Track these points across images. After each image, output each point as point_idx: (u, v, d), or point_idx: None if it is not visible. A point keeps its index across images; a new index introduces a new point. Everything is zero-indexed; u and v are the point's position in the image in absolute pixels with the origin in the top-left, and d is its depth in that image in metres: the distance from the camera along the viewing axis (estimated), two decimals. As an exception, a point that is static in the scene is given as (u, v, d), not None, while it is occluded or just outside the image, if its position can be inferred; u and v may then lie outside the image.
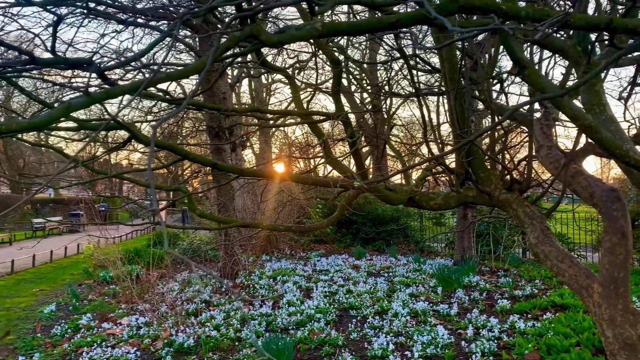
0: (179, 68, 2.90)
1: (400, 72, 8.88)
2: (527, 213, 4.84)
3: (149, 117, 9.77)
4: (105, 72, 2.67)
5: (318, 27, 2.18)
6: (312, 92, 5.75)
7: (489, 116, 9.58)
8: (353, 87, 18.84)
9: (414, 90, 7.12)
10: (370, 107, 14.07)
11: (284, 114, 5.34)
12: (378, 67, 18.53)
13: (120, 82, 3.05)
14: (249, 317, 7.80)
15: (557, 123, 6.33)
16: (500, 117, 5.94)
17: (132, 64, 3.91)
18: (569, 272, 4.41)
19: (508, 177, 5.31)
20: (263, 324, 7.37)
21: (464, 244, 12.44)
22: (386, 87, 9.34)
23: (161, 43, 7.59)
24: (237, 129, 12.99)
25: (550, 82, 3.69)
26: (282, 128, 29.65)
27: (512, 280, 9.61)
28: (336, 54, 6.21)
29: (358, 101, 21.21)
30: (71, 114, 2.41)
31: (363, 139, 15.11)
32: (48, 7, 3.22)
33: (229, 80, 15.67)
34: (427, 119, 5.69)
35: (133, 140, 3.91)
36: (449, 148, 7.00)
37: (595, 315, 4.28)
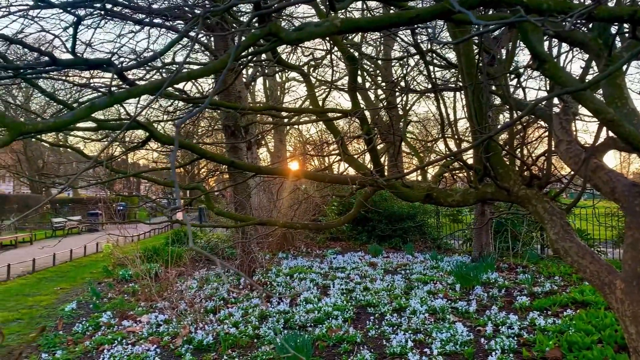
0: (199, 67, 2.91)
1: (415, 68, 8.82)
2: (547, 209, 4.78)
3: (165, 117, 9.85)
4: (124, 72, 2.70)
5: (337, 23, 2.18)
6: (328, 90, 5.77)
7: (507, 111, 9.48)
8: (367, 84, 18.78)
9: (430, 86, 7.09)
10: (385, 103, 14.02)
11: (299, 112, 5.33)
12: (393, 64, 18.45)
13: (139, 82, 3.07)
14: (267, 314, 7.83)
15: (576, 118, 6.25)
16: (518, 112, 5.90)
17: (150, 63, 3.94)
18: (590, 268, 4.35)
19: (527, 172, 5.26)
20: (281, 321, 7.39)
21: (482, 240, 12.34)
22: (402, 84, 9.29)
23: (178, 43, 7.64)
24: (253, 127, 13.03)
25: (571, 75, 3.63)
26: (296, 126, 29.72)
27: (531, 276, 9.52)
28: (351, 50, 6.19)
29: (373, 98, 21.14)
30: (91, 115, 2.44)
31: (378, 135, 15.05)
32: (67, 9, 3.25)
33: (244, 79, 15.72)
34: (444, 114, 5.64)
35: (151, 140, 3.95)
36: (466, 144, 6.94)
37: (617, 311, 4.22)
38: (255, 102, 29.75)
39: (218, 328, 7.12)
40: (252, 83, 27.69)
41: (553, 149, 5.47)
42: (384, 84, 16.32)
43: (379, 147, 20.13)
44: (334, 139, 6.09)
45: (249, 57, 4.03)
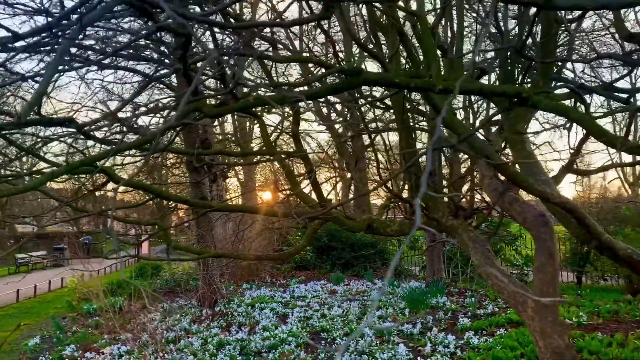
0: (126, 143, 3.45)
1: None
2: (471, 237, 5.44)
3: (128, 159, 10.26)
4: (86, 128, 3.26)
5: (250, 100, 2.78)
6: (278, 133, 6.37)
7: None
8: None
9: (365, 127, 7.78)
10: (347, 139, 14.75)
11: (244, 155, 5.89)
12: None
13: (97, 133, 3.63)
14: (226, 342, 8.22)
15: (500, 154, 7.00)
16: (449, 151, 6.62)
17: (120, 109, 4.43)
18: (508, 289, 5.01)
19: (453, 205, 5.94)
20: (237, 348, 7.80)
21: (434, 266, 13.00)
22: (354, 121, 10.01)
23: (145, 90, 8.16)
24: (217, 159, 13.54)
25: (463, 126, 4.33)
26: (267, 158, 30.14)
27: (476, 300, 10.17)
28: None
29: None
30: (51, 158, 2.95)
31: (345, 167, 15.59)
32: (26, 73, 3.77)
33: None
34: (378, 154, 6.30)
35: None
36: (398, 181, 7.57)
37: (530, 327, 4.87)
38: (224, 134, 30.20)
39: (177, 357, 7.49)
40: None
41: (479, 182, 6.23)
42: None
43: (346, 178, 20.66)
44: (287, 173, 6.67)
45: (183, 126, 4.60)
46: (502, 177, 5.73)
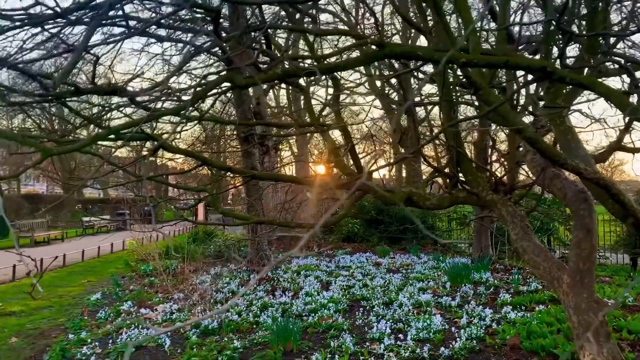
0: (163, 109, 3.66)
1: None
2: (510, 212, 5.47)
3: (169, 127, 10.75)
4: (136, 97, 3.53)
5: (278, 71, 2.96)
6: (322, 106, 6.52)
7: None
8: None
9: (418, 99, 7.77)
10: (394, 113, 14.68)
11: (283, 127, 6.09)
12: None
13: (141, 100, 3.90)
14: (269, 304, 8.62)
15: (546, 130, 6.90)
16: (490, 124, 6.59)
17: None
18: (544, 265, 5.04)
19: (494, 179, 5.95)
20: (280, 310, 8.18)
21: (481, 242, 12.91)
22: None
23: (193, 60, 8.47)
24: (269, 131, 13.87)
25: (496, 97, 4.33)
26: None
27: (520, 277, 10.08)
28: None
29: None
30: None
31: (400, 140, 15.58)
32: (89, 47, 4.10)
33: (264, 86, 16.58)
34: (418, 127, 6.34)
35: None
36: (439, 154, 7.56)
37: (564, 303, 4.90)
38: (280, 106, 30.59)
39: (223, 316, 7.94)
40: (276, 87, 28.59)
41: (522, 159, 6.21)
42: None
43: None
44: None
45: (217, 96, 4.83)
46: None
